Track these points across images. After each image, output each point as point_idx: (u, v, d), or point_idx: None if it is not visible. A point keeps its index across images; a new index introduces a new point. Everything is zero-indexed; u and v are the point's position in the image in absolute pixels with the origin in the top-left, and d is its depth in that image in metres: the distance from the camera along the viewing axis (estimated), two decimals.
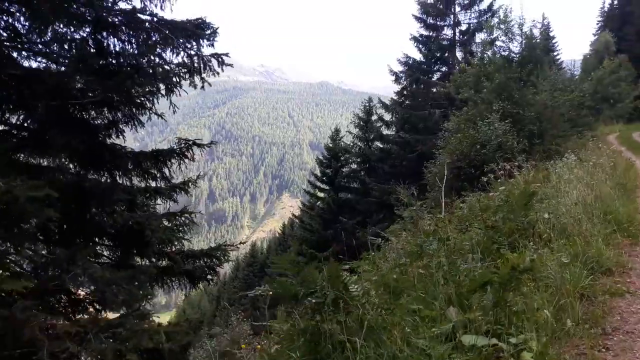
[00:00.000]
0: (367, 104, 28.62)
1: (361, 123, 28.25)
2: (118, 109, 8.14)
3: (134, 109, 8.42)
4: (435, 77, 27.76)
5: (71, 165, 7.73)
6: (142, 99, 8.38)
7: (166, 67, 7.66)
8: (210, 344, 13.70)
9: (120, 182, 8.74)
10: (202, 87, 7.30)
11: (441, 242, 4.26)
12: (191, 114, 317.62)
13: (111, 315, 6.50)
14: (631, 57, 41.46)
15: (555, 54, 45.58)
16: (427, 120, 25.08)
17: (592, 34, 58.91)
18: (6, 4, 6.53)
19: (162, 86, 8.05)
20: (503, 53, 18.32)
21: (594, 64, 42.93)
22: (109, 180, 8.65)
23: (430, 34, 27.07)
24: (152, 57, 7.16)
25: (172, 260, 8.70)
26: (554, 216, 5.53)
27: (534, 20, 19.42)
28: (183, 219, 9.01)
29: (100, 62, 6.96)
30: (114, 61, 7.12)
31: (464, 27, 26.87)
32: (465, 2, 26.39)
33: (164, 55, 7.06)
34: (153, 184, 8.89)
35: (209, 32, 7.04)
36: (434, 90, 26.49)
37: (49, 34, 6.84)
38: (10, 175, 4.52)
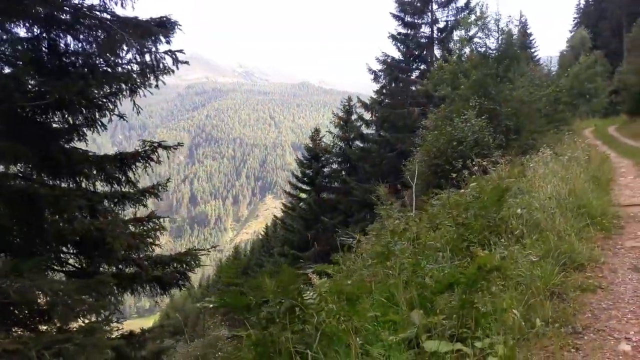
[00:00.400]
0: (346, 104, 28.50)
1: (341, 123, 28.11)
2: (77, 111, 7.85)
3: (95, 111, 8.15)
4: (414, 75, 27.69)
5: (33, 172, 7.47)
6: (104, 100, 8.12)
7: (127, 67, 7.39)
8: (187, 348, 13.45)
9: (85, 187, 8.48)
10: (157, 86, 7.06)
11: (409, 241, 4.11)
12: (169, 116, 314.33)
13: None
14: (606, 53, 42.15)
15: (532, 50, 46.06)
16: (406, 118, 25.04)
17: (568, 31, 59.70)
18: None
19: (124, 87, 7.80)
20: (480, 49, 18.34)
21: (571, 60, 43.51)
22: (72, 186, 8.39)
23: (409, 32, 26.99)
24: (109, 56, 6.88)
25: (139, 266, 8.44)
26: (527, 212, 5.40)
27: (509, 16, 19.45)
28: (151, 224, 8.74)
29: (55, 63, 6.67)
30: (67, 60, 6.83)
31: (441, 25, 26.85)
32: (443, 0, 26.40)
33: (121, 54, 6.76)
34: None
35: (168, 29, 6.79)
36: (413, 88, 26.46)
37: None
38: None
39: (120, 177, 8.56)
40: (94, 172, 8.38)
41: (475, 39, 18.92)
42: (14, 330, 5.55)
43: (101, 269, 8.47)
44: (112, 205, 8.78)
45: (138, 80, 7.73)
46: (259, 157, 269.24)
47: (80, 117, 8.16)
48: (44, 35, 6.49)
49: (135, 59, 7.29)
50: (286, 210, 31.09)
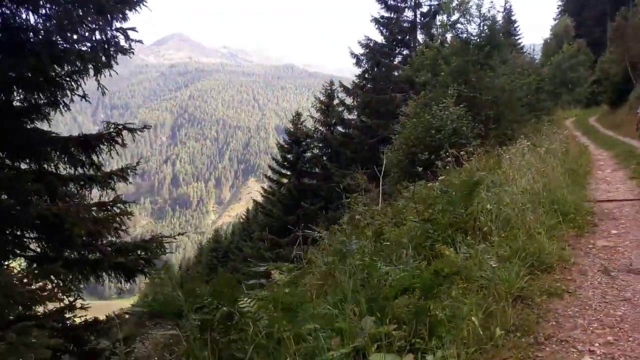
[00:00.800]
0: (328, 88, 28.05)
1: (322, 107, 27.70)
2: (37, 89, 7.47)
3: (57, 91, 7.77)
4: (397, 60, 27.29)
5: None
6: (67, 79, 7.74)
7: (87, 44, 7.00)
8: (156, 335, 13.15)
9: (46, 169, 8.16)
10: (110, 66, 6.68)
11: (369, 238, 3.86)
12: (152, 96, 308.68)
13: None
14: (589, 42, 42.16)
15: (517, 38, 45.91)
16: (388, 104, 24.67)
17: (552, 19, 59.68)
18: None
19: (88, 65, 7.41)
20: (461, 35, 18.08)
21: (554, 49, 43.54)
22: (34, 167, 8.05)
23: (392, 15, 26.46)
24: (69, 34, 6.48)
25: (102, 253, 8.14)
26: (497, 207, 5.17)
27: (492, 2, 19.22)
28: (115, 209, 8.43)
29: (7, 38, 6.25)
30: (22, 36, 6.41)
31: (425, 9, 26.37)
32: None
33: (80, 31, 6.37)
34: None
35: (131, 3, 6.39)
36: (395, 73, 26.05)
37: None
38: None
39: (84, 159, 8.23)
40: (57, 154, 8.05)
41: (458, 25, 18.63)
42: None
43: (65, 254, 8.21)
44: (78, 189, 8.47)
45: (103, 58, 7.37)
46: (242, 139, 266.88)
47: (41, 96, 7.80)
48: None
49: (94, 36, 6.91)
50: (266, 195, 30.69)
